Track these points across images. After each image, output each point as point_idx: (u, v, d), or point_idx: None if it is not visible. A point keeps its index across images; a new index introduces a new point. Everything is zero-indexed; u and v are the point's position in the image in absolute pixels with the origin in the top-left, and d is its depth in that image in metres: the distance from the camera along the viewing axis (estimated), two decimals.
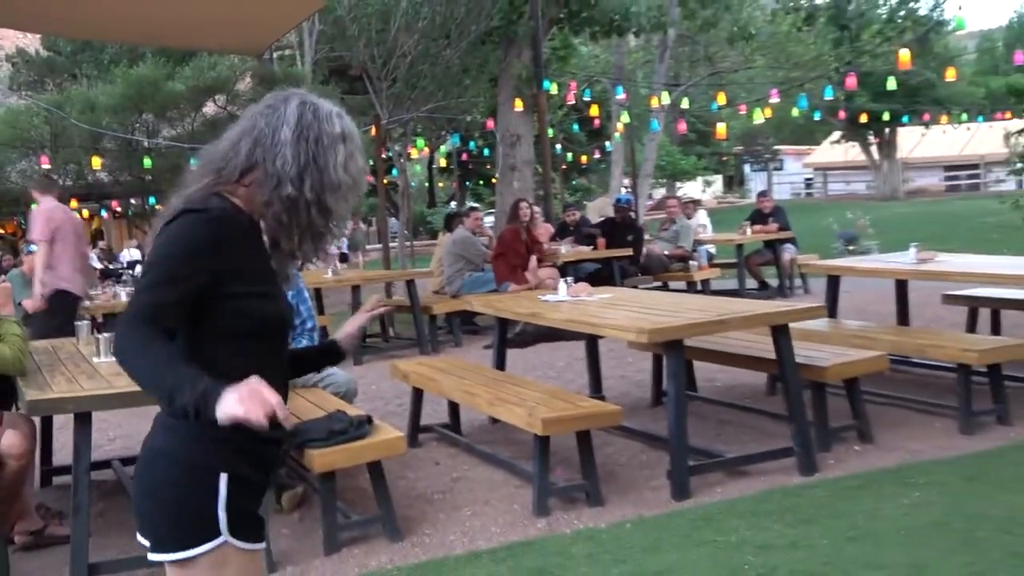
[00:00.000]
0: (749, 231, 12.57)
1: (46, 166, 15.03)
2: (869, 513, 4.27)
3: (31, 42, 20.33)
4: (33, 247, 8.01)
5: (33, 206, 8.22)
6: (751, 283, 12.50)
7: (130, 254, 20.48)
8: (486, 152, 22.61)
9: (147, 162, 14.88)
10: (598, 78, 22.73)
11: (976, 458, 5.08)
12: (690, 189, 42.39)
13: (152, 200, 18.62)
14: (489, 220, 15.48)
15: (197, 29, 7.32)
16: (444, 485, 5.23)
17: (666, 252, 12.01)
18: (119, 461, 5.79)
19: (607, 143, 24.11)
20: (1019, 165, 14.99)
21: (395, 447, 4.45)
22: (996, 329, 7.39)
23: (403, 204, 17.08)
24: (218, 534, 1.98)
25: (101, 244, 22.40)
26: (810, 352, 5.55)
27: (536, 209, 10.94)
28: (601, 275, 10.66)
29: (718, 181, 53.18)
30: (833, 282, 7.28)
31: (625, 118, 18.04)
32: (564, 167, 28.61)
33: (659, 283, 11.81)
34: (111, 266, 17.70)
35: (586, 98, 21.01)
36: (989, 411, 5.68)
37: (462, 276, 10.09)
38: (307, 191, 2.00)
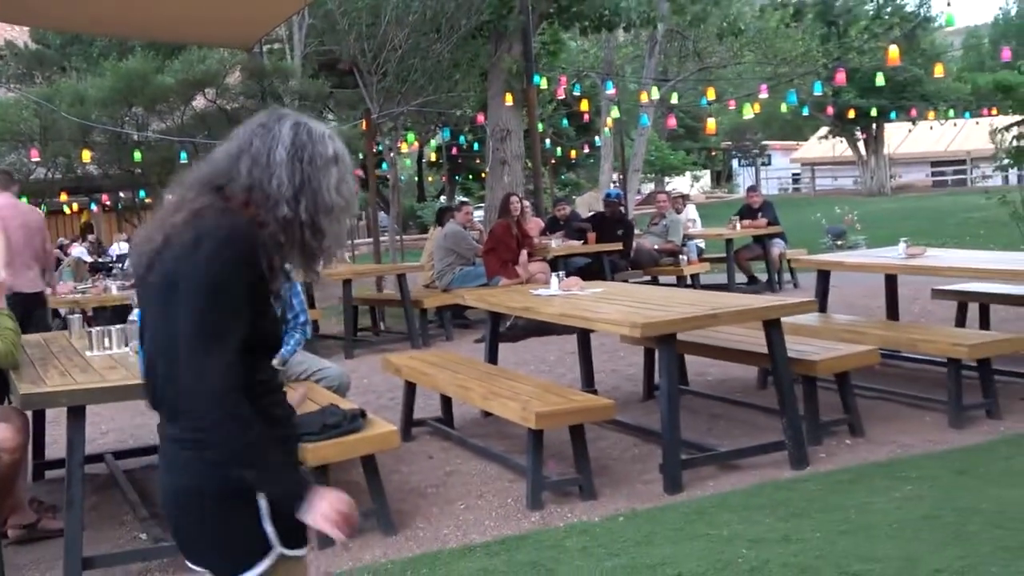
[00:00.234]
0: (738, 226, 12.61)
1: (36, 159, 14.93)
2: (860, 507, 4.29)
3: (20, 35, 20.16)
4: None
5: None
6: (740, 278, 12.54)
7: (119, 247, 20.30)
8: (476, 146, 22.56)
9: (137, 155, 14.81)
10: (587, 73, 22.74)
11: (966, 452, 5.12)
12: (679, 184, 42.52)
13: (142, 193, 18.50)
14: (479, 214, 15.48)
15: (187, 23, 7.31)
16: (437, 479, 5.24)
17: (656, 247, 12.04)
18: (112, 455, 5.79)
19: (596, 138, 24.10)
20: (1005, 161, 15.03)
21: (389, 441, 4.46)
22: (985, 324, 7.45)
23: (393, 198, 17.07)
24: (270, 547, 2.00)
25: (91, 237, 22.27)
26: (801, 346, 5.58)
27: (526, 203, 10.96)
28: (591, 269, 10.69)
29: (706, 176, 53.33)
30: (823, 277, 7.30)
31: (614, 113, 18.03)
32: (553, 162, 28.59)
33: (649, 277, 11.85)
34: (101, 259, 17.59)
35: (576, 93, 21.02)
36: (979, 405, 5.72)
37: (453, 270, 10.10)
38: (302, 212, 2.00)
